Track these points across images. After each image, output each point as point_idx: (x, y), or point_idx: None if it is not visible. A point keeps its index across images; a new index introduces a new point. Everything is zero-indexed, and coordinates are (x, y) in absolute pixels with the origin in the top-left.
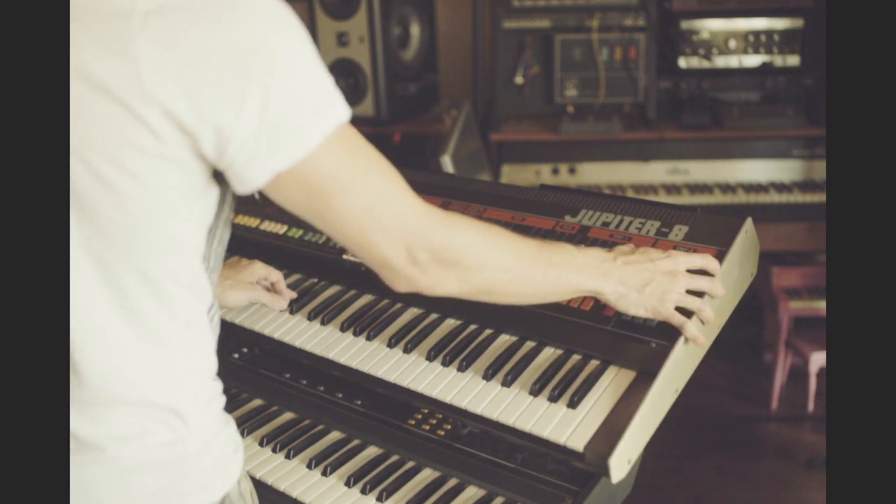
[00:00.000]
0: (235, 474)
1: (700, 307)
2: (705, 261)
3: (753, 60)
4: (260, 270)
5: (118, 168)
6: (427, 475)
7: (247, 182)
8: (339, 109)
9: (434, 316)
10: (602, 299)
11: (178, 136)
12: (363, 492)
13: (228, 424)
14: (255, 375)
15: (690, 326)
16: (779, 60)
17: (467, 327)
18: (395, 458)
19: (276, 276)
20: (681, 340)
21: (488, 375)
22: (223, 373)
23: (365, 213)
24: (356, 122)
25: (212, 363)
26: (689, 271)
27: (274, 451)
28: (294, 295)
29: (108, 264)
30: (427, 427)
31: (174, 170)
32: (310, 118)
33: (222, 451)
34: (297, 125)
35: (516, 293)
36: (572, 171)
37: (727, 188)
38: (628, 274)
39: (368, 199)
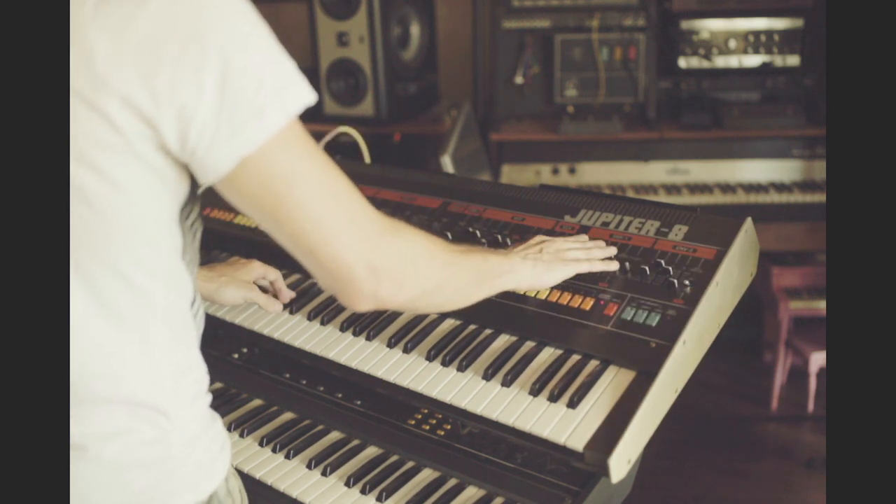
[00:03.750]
0: (222, 472)
1: (589, 252)
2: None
3: (753, 60)
4: (258, 269)
5: (85, 166)
6: (427, 475)
7: (210, 169)
8: (302, 91)
9: (434, 316)
10: (517, 277)
11: (139, 128)
12: (363, 492)
13: (215, 422)
14: (255, 375)
15: (607, 265)
16: (779, 60)
17: (467, 327)
18: (394, 458)
19: (273, 274)
20: (680, 340)
21: (488, 375)
22: (223, 373)
23: (326, 212)
24: (356, 121)
25: (195, 359)
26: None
27: (274, 451)
28: (293, 294)
29: (81, 262)
30: (427, 427)
31: (140, 166)
32: (272, 99)
33: (209, 449)
34: (259, 106)
35: (457, 286)
36: (572, 171)
37: (727, 188)
38: (522, 251)
39: (328, 197)
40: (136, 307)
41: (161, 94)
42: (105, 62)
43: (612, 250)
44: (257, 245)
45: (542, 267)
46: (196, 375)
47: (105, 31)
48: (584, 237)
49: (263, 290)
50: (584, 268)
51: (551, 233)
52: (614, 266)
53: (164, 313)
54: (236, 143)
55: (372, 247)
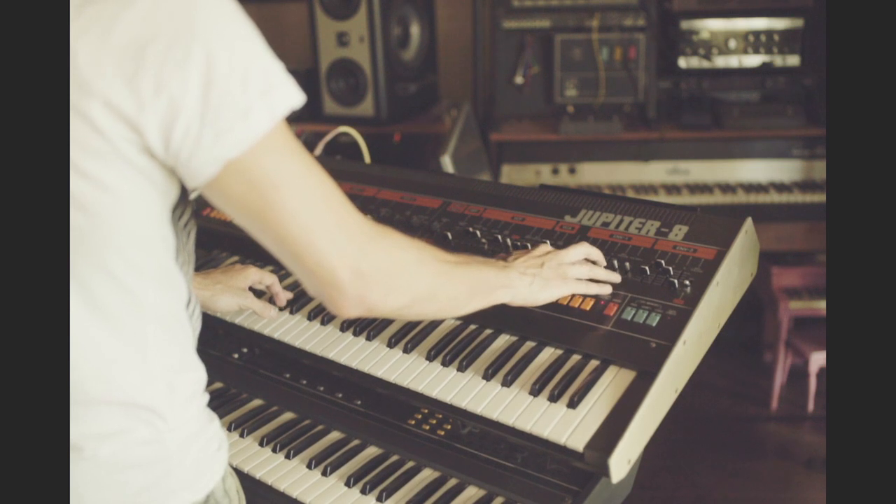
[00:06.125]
0: (219, 472)
1: (592, 272)
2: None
3: (753, 60)
4: (253, 275)
5: (73, 170)
6: (427, 475)
7: (194, 174)
8: (289, 93)
9: None
10: (513, 293)
11: (123, 132)
12: (363, 492)
13: (212, 422)
14: (255, 375)
15: (603, 289)
16: (779, 60)
17: (467, 327)
18: (395, 458)
19: (270, 279)
20: (680, 340)
21: (488, 375)
22: (223, 373)
23: (313, 215)
24: (356, 121)
25: (191, 360)
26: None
27: (274, 451)
28: (290, 296)
29: (73, 264)
30: (427, 427)
31: (127, 168)
32: (257, 100)
33: (205, 449)
34: (245, 107)
35: (450, 296)
36: (572, 171)
37: (727, 188)
38: (522, 264)
39: (316, 201)
40: (128, 309)
41: (144, 96)
42: (87, 65)
43: (617, 277)
44: (257, 245)
45: (539, 284)
46: (192, 376)
47: (87, 34)
48: (598, 253)
49: (260, 294)
50: (582, 289)
51: (551, 233)
52: (610, 289)
53: (157, 314)
54: (221, 147)
55: (359, 251)
